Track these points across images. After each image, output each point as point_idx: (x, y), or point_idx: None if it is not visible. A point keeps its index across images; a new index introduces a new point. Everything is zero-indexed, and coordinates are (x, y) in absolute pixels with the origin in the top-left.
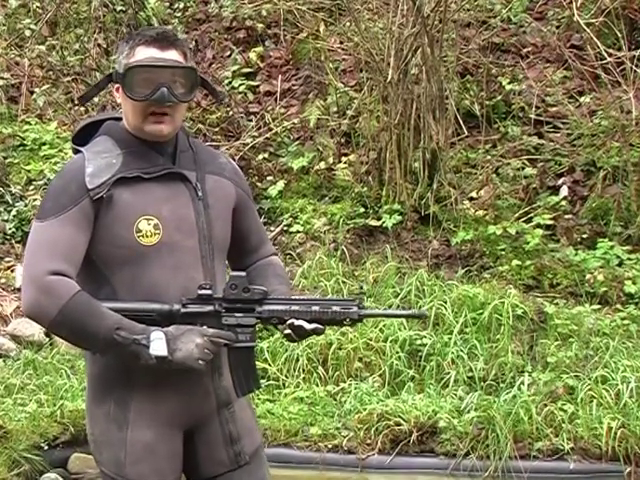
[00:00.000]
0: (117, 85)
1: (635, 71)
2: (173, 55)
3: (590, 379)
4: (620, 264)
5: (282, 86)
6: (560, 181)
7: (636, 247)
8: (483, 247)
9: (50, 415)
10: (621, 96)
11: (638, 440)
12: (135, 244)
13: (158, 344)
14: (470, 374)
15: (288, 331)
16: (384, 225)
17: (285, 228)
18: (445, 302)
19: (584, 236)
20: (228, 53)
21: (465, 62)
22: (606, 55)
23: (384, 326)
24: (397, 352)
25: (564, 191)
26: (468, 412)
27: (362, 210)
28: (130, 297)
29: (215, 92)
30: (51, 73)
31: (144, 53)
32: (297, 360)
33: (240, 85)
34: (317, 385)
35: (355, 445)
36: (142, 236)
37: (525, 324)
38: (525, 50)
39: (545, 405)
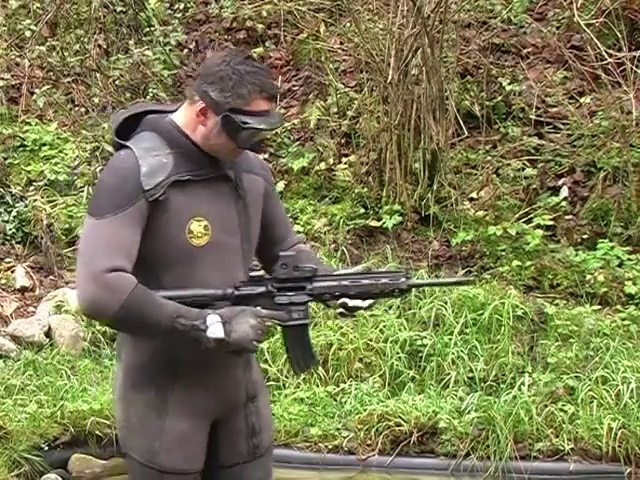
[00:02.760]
0: (208, 110)
1: (635, 72)
2: (271, 105)
3: (590, 380)
4: (620, 265)
5: (282, 87)
6: (560, 182)
7: (636, 248)
8: (483, 248)
9: (50, 416)
10: (621, 97)
11: (638, 441)
12: (186, 245)
13: (215, 327)
14: (470, 375)
15: (340, 310)
16: (384, 226)
17: None
18: (445, 303)
19: (584, 237)
20: None
21: (465, 63)
22: (606, 56)
23: (384, 327)
24: (397, 353)
25: (564, 192)
26: (468, 413)
27: (362, 211)
28: None
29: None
30: (51, 74)
31: (258, 106)
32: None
33: None
34: (317, 386)
35: (355, 446)
36: (193, 237)
37: (525, 325)
38: (525, 51)
39: (545, 406)
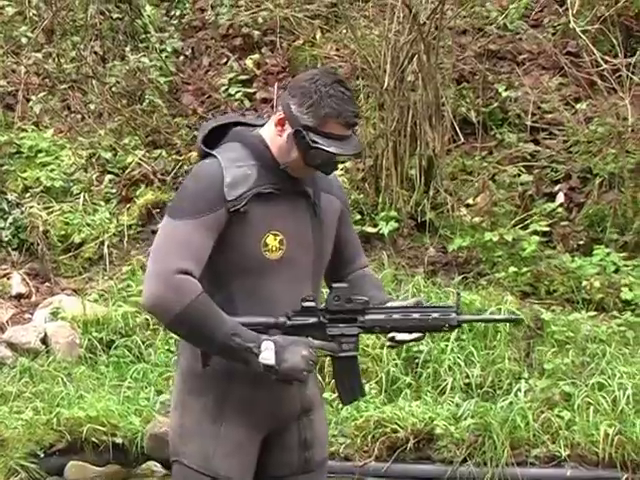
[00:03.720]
0: (286, 122)
1: (631, 78)
2: (351, 131)
3: (587, 386)
4: (616, 271)
5: (278, 93)
6: (556, 188)
7: (632, 254)
8: (480, 254)
9: (46, 423)
10: (617, 103)
11: (635, 446)
12: (260, 257)
13: (268, 354)
14: (467, 381)
15: (390, 343)
16: (381, 232)
17: None
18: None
19: (580, 243)
20: (224, 60)
21: (461, 69)
22: (602, 62)
23: None
24: (394, 359)
25: (560, 198)
26: (465, 419)
27: (359, 217)
28: (246, 305)
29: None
30: (47, 80)
31: (332, 129)
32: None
33: (237, 92)
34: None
35: (352, 452)
36: (268, 251)
37: (522, 331)
38: (521, 57)
39: (542, 412)
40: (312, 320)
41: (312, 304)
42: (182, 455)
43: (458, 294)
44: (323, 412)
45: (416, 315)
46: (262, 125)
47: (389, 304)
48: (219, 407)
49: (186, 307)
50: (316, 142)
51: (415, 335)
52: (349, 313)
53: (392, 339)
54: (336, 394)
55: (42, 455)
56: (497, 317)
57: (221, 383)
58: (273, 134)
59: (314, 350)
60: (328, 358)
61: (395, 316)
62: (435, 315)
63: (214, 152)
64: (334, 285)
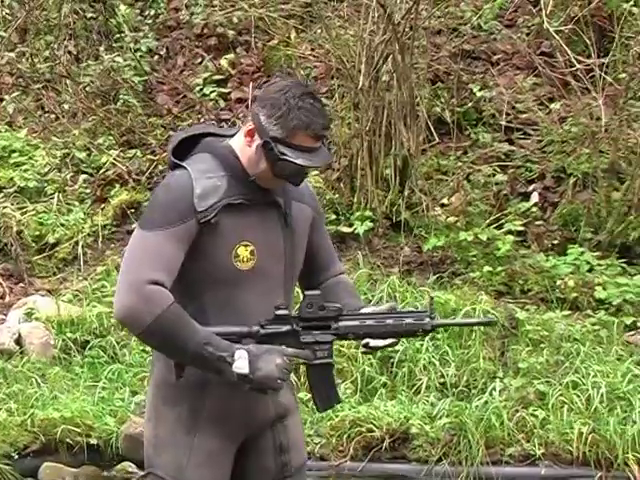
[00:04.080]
0: (255, 133)
1: (604, 78)
2: (320, 143)
3: (561, 384)
4: (590, 270)
5: (253, 93)
6: (531, 187)
7: (606, 253)
8: (454, 253)
9: (20, 424)
10: (590, 103)
11: (608, 445)
12: (232, 268)
13: (241, 363)
14: (442, 380)
15: (364, 349)
16: (356, 232)
17: None
18: (417, 308)
19: (555, 242)
20: (199, 60)
21: (436, 69)
22: (575, 62)
23: None
24: (369, 358)
25: (535, 197)
26: (440, 418)
27: (334, 217)
28: (218, 316)
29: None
30: (21, 80)
31: (300, 140)
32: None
33: (211, 92)
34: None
35: (327, 452)
36: (239, 261)
37: (496, 330)
38: (495, 57)
39: (516, 411)
40: (285, 328)
41: (285, 312)
42: (156, 466)
43: (431, 298)
44: (298, 417)
45: (390, 321)
46: (232, 135)
47: (363, 310)
48: (193, 417)
49: (157, 317)
50: (284, 154)
51: (389, 341)
52: (322, 320)
53: (366, 345)
54: (311, 394)
55: (16, 456)
56: (471, 320)
57: (195, 393)
58: (243, 145)
59: (288, 358)
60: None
61: (369, 322)
62: (409, 320)
63: (184, 163)
64: (307, 293)
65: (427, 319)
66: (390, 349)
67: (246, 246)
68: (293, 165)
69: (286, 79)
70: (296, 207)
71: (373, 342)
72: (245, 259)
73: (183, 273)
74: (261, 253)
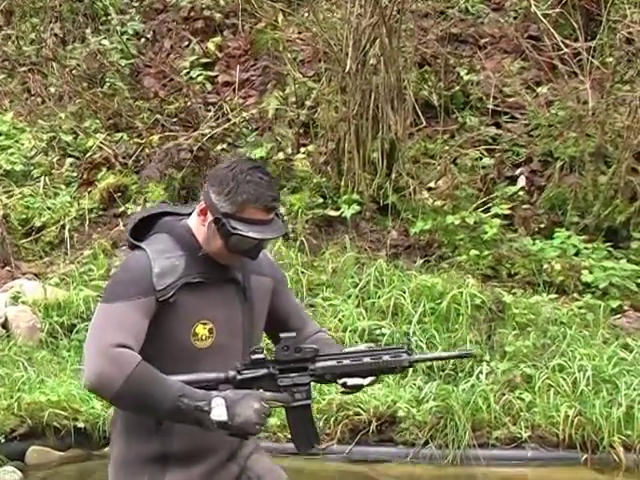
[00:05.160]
0: (208, 211)
1: (591, 62)
2: (272, 215)
3: (547, 368)
4: (577, 253)
5: (240, 76)
6: (518, 171)
7: (592, 236)
8: (441, 237)
9: (7, 408)
10: (578, 87)
11: (594, 427)
12: (190, 346)
13: (219, 410)
14: (429, 364)
15: (343, 389)
16: (343, 215)
17: None
18: (404, 292)
19: (541, 226)
20: (186, 43)
21: (423, 52)
22: (563, 46)
23: (343, 316)
24: (356, 342)
25: (522, 181)
26: (427, 401)
27: (321, 200)
28: None
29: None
30: (7, 63)
31: (251, 214)
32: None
33: (198, 75)
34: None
35: None
36: (197, 340)
37: (483, 314)
38: (483, 41)
39: (503, 394)
40: (262, 372)
41: (261, 356)
42: None
43: (407, 334)
44: (260, 450)
45: (367, 359)
46: (190, 214)
47: (340, 351)
48: None
49: (128, 377)
50: (236, 228)
51: (369, 379)
52: (299, 362)
53: (344, 384)
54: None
55: (3, 440)
56: (449, 354)
57: (156, 467)
58: (198, 223)
59: (266, 402)
60: None
61: (346, 362)
62: (386, 358)
63: (142, 244)
64: (282, 335)
65: (404, 355)
66: (377, 332)
67: (204, 324)
68: (246, 239)
69: (235, 157)
70: (255, 280)
71: (351, 381)
72: (204, 337)
73: (143, 350)
74: (219, 330)
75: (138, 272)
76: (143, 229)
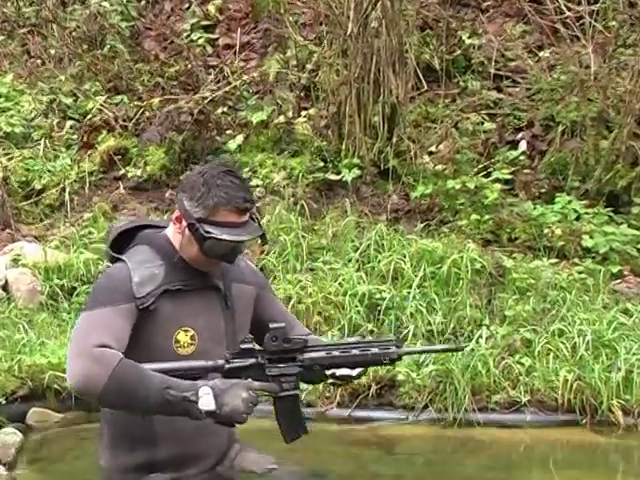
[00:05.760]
0: (182, 218)
1: (594, 25)
2: (247, 217)
3: (547, 332)
4: (578, 218)
5: (241, 39)
6: (519, 136)
7: (593, 201)
8: (442, 201)
9: (8, 370)
10: (580, 51)
11: (593, 392)
12: (172, 353)
13: (207, 399)
14: (429, 328)
15: (332, 380)
16: (343, 179)
17: None
18: (404, 256)
19: (542, 190)
20: (187, 5)
21: (425, 16)
22: (565, 9)
23: (343, 280)
24: (356, 306)
25: (523, 146)
26: (426, 365)
27: (321, 164)
28: None
29: (264, 235)
30: (6, 24)
31: (224, 217)
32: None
33: (199, 38)
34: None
35: (314, 398)
36: (180, 347)
37: (483, 278)
38: (485, 4)
39: (503, 358)
40: (251, 361)
41: (250, 345)
42: None
43: (398, 327)
44: (242, 444)
45: (355, 351)
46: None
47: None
48: None
49: (111, 375)
50: (209, 232)
51: (358, 370)
52: (288, 353)
53: (333, 375)
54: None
55: (3, 402)
56: (438, 347)
57: (142, 475)
58: (174, 232)
59: (254, 392)
60: None
61: (334, 353)
62: (375, 350)
63: (123, 256)
64: (271, 326)
65: (393, 347)
66: (377, 296)
67: (186, 331)
68: (220, 242)
69: (207, 164)
70: (236, 288)
71: (340, 372)
72: (185, 344)
73: (127, 357)
74: (201, 337)
75: (119, 281)
76: (123, 242)
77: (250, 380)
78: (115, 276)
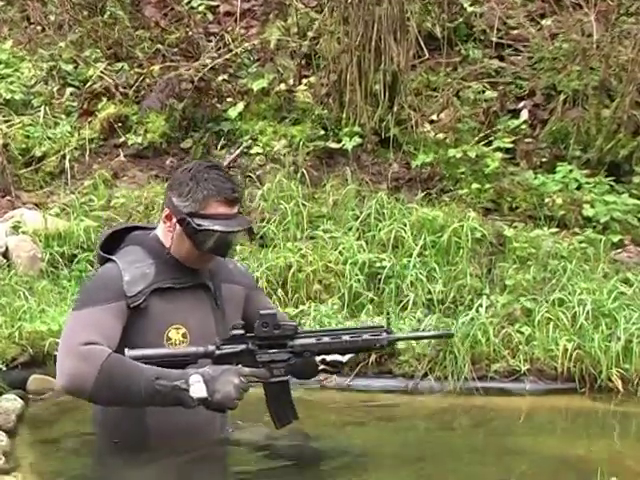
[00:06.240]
0: (172, 216)
1: None
2: (237, 209)
3: (547, 301)
4: (579, 188)
5: (242, 6)
6: (520, 104)
7: (595, 171)
8: (443, 170)
9: (8, 336)
10: (582, 19)
11: (593, 361)
12: None
13: (198, 387)
14: (429, 296)
15: (323, 366)
16: (344, 147)
17: (245, 150)
18: (405, 225)
19: (543, 160)
20: None
21: None
22: None
23: (343, 248)
24: (356, 274)
25: (524, 114)
26: None
27: (322, 132)
28: None
29: (252, 230)
30: None
31: (214, 209)
32: (256, 282)
33: (199, 5)
34: (277, 307)
35: None
36: (172, 344)
37: (484, 247)
38: None
39: (502, 327)
40: (241, 348)
41: (240, 332)
42: None
43: (388, 313)
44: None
45: (346, 337)
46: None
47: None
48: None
49: (100, 371)
50: (201, 225)
51: (348, 356)
52: (278, 339)
53: (323, 361)
54: (298, 309)
55: (4, 368)
56: (429, 334)
57: (135, 455)
58: (164, 231)
59: (245, 378)
60: None
61: (325, 339)
62: (365, 336)
63: (113, 257)
64: (262, 312)
65: (384, 334)
66: (378, 265)
67: (177, 329)
68: (213, 234)
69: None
70: (226, 289)
71: (330, 358)
72: (177, 342)
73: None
74: (193, 335)
75: (109, 280)
76: (113, 243)
77: (240, 366)
78: (106, 275)
